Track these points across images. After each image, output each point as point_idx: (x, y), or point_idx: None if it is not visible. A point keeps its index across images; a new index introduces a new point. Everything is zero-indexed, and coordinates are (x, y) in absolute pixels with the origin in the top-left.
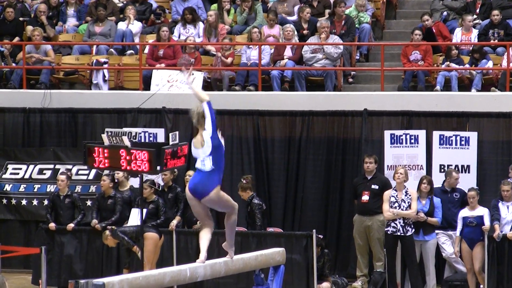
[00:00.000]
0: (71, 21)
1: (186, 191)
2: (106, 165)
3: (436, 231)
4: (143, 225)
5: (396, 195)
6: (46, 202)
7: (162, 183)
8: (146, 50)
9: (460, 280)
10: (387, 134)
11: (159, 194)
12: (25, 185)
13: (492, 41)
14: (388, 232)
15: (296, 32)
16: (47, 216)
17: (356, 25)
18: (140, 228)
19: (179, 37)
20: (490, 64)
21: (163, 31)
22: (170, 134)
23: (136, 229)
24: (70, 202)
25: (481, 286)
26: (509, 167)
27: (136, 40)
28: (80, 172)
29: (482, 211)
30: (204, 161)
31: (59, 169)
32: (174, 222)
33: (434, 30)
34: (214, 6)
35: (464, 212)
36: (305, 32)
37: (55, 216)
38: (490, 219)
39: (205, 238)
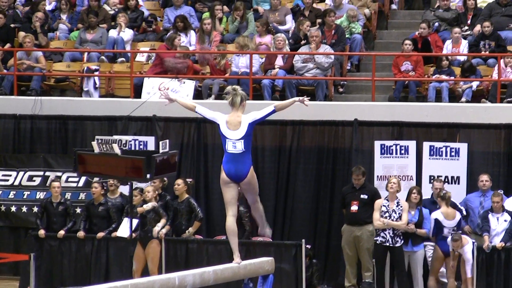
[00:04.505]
0: (64, 28)
1: (222, 176)
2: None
3: (425, 243)
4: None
5: (388, 205)
6: (36, 208)
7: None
8: (137, 58)
9: None
10: (377, 144)
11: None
12: (14, 192)
13: (483, 52)
14: (377, 242)
15: (287, 41)
16: (37, 222)
17: (348, 36)
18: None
19: None
20: (474, 84)
21: (178, 39)
22: (161, 142)
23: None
24: (63, 209)
25: None
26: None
27: (128, 47)
28: (70, 179)
29: (467, 248)
30: (236, 144)
31: (49, 176)
32: (163, 231)
33: (430, 40)
34: (207, 14)
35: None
36: (302, 42)
37: (47, 223)
38: (475, 255)
39: (234, 237)
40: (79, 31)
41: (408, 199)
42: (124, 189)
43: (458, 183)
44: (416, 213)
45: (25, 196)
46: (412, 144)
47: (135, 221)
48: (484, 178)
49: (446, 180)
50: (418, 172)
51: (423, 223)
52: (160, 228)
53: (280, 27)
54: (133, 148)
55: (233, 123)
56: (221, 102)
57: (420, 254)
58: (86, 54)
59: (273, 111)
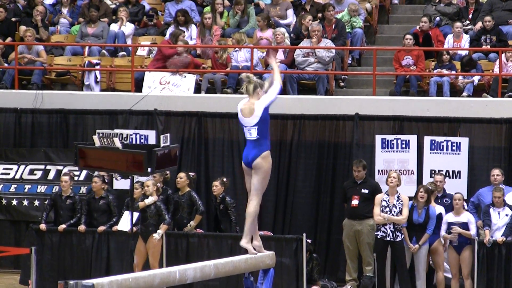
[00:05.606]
0: (65, 22)
1: (242, 164)
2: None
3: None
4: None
5: (388, 200)
6: (37, 202)
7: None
8: (138, 52)
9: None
10: (378, 138)
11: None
12: (15, 186)
13: (484, 47)
14: (378, 237)
15: (288, 35)
16: (43, 215)
17: (349, 30)
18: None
19: None
20: (476, 78)
21: (183, 36)
22: (162, 136)
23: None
24: (71, 203)
25: None
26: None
27: (129, 41)
28: (71, 173)
29: (467, 216)
30: (251, 131)
31: (50, 170)
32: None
33: (431, 35)
34: (207, 8)
35: (449, 217)
36: (305, 33)
37: (55, 216)
38: (476, 226)
39: (250, 220)
40: (80, 25)
41: (415, 198)
42: (119, 184)
43: (459, 178)
44: (422, 212)
45: (26, 190)
46: (413, 139)
47: (135, 215)
48: (496, 173)
49: (447, 174)
50: (419, 167)
51: (428, 223)
52: (161, 235)
53: (281, 22)
54: (134, 142)
55: (247, 110)
56: (223, 96)
57: (424, 248)
58: (87, 48)
59: (280, 88)
